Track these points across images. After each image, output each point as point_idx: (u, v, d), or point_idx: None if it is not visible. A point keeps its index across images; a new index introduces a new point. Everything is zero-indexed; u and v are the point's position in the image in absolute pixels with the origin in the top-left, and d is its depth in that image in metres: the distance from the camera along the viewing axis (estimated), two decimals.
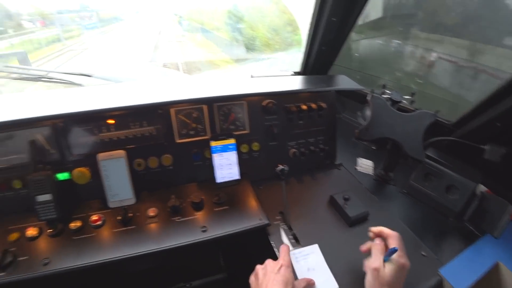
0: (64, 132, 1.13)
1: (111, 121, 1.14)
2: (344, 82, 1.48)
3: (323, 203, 1.25)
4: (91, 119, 1.13)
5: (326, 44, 1.53)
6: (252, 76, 1.57)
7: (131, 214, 1.12)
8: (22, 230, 1.08)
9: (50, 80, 1.45)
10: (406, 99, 1.33)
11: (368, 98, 1.29)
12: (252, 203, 1.20)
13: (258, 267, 0.88)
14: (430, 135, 1.26)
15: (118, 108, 1.12)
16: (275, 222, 1.14)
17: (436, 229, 1.17)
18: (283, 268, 0.83)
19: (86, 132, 1.15)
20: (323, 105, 1.40)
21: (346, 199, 1.19)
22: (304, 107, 1.36)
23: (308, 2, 1.39)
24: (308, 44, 1.58)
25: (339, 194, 1.22)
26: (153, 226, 1.09)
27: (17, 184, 1.13)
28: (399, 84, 1.80)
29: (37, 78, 1.42)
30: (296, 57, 1.74)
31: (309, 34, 1.52)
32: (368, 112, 1.30)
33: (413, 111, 1.26)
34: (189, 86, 1.39)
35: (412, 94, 1.31)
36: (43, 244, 1.04)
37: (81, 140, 1.15)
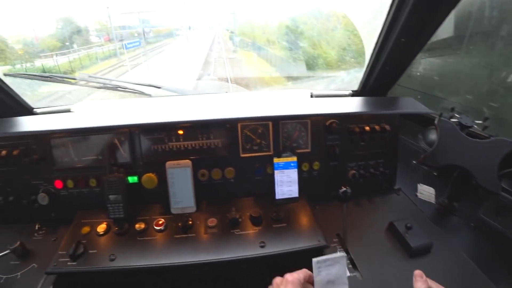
0: (137, 140, 1.22)
1: (180, 132, 1.21)
2: (411, 105, 1.42)
3: (382, 229, 1.18)
4: (163, 129, 1.21)
5: (390, 64, 1.48)
6: (312, 95, 1.57)
7: (191, 222, 1.16)
8: (93, 225, 1.18)
9: (124, 89, 1.58)
10: (477, 124, 1.23)
11: (436, 121, 1.21)
12: (310, 222, 1.17)
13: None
14: (506, 165, 1.14)
15: (190, 122, 1.18)
16: (332, 245, 1.11)
17: (510, 270, 1.04)
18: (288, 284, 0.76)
19: (157, 140, 1.23)
20: (387, 127, 1.35)
21: (408, 228, 1.11)
22: (367, 128, 1.32)
23: (374, 19, 1.36)
24: (370, 63, 1.54)
25: (400, 221, 1.15)
26: (212, 236, 1.12)
27: (92, 182, 1.25)
28: (468, 107, 1.67)
29: (114, 88, 1.56)
30: (355, 76, 1.71)
31: (372, 53, 1.49)
32: (433, 136, 1.22)
33: (486, 137, 1.16)
34: (252, 102, 1.43)
35: (485, 119, 1.20)
36: (110, 240, 1.12)
37: (152, 147, 1.23)
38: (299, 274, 0.79)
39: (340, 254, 0.88)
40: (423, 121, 1.53)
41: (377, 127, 1.33)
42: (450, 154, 1.15)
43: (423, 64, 1.90)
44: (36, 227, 1.22)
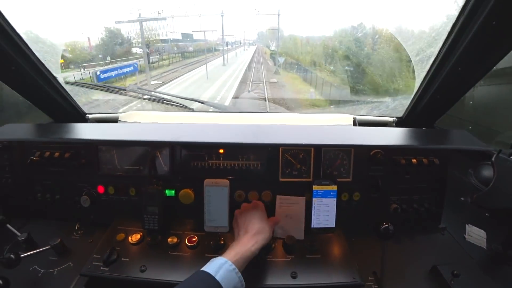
0: (179, 155, 1.25)
1: (221, 151, 1.22)
2: (465, 139, 1.31)
3: (423, 272, 1.08)
4: (205, 147, 1.23)
5: (442, 93, 1.39)
6: (355, 120, 1.51)
7: (223, 242, 1.15)
8: (127, 233, 1.21)
9: (169, 102, 1.64)
10: None
11: (493, 158, 1.11)
12: (346, 256, 1.11)
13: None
14: None
15: (233, 144, 1.19)
16: (368, 283, 1.04)
17: None
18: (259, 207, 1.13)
19: (197, 157, 1.25)
20: (436, 161, 1.25)
21: (455, 275, 1.01)
22: (414, 160, 1.24)
23: (429, 46, 1.29)
24: (419, 90, 1.46)
25: (444, 266, 1.05)
26: None
27: (132, 191, 1.30)
28: None
29: (160, 100, 1.63)
30: (401, 103, 1.63)
31: (423, 81, 1.40)
32: (487, 173, 1.12)
33: None
34: (294, 125, 1.40)
35: None
36: (142, 250, 1.14)
37: (192, 163, 1.25)
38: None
39: (300, 197, 0.92)
40: (474, 155, 1.41)
41: (425, 160, 1.25)
42: (509, 196, 1.04)
43: (478, 92, 1.77)
44: (76, 227, 1.30)
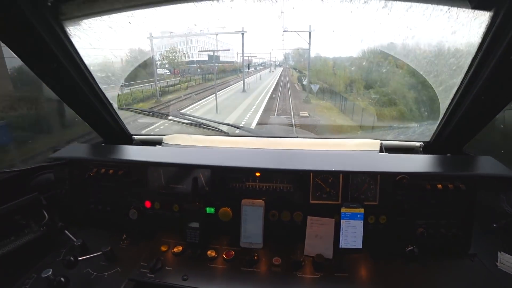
0: (219, 176, 1.39)
1: (257, 174, 1.35)
2: (492, 166, 1.33)
3: None
4: (243, 170, 1.36)
5: (467, 120, 1.42)
6: (382, 145, 1.59)
7: (257, 257, 1.25)
8: (170, 245, 1.36)
9: (207, 127, 1.81)
10: None
11: None
12: (372, 277, 1.17)
13: None
14: None
15: (269, 169, 1.30)
16: None
17: None
18: None
19: (235, 179, 1.38)
20: (462, 186, 1.29)
21: None
22: (439, 186, 1.29)
23: (451, 78, 1.35)
24: (445, 117, 1.50)
25: None
26: (275, 274, 1.19)
27: (175, 207, 1.45)
28: None
29: (199, 124, 1.81)
30: (428, 128, 1.67)
31: (448, 108, 1.45)
32: None
33: None
34: (323, 150, 1.50)
35: None
36: (184, 261, 1.28)
37: (230, 185, 1.39)
38: None
39: (330, 219, 0.96)
40: (507, 180, 1.42)
41: (450, 186, 1.28)
42: None
43: (510, 116, 1.76)
44: (123, 236, 1.45)
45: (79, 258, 1.19)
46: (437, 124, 1.57)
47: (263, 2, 1.19)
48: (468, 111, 1.34)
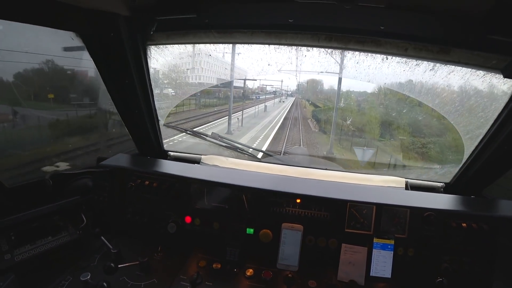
0: (261, 199, 1.49)
1: (298, 200, 1.46)
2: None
3: None
4: (286, 196, 1.46)
5: (490, 166, 1.56)
6: (407, 183, 1.71)
7: (292, 277, 1.32)
8: (208, 261, 1.42)
9: (241, 151, 1.95)
10: None
11: None
12: None
13: None
14: None
15: (311, 197, 1.42)
16: None
17: None
18: None
19: (277, 203, 1.48)
20: (485, 227, 1.39)
21: None
22: (464, 225, 1.39)
23: (478, 128, 1.49)
24: (468, 161, 1.63)
25: None
26: None
27: (216, 225, 1.52)
28: None
29: (235, 148, 1.94)
30: (449, 171, 1.80)
31: (471, 154, 1.58)
32: None
33: None
34: (357, 184, 1.61)
35: None
36: (223, 278, 1.35)
37: (271, 208, 1.49)
38: None
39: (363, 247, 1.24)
40: None
41: (474, 225, 1.39)
42: None
43: None
44: (159, 248, 1.49)
45: (121, 266, 1.25)
46: (459, 167, 1.70)
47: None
48: (490, 158, 1.48)
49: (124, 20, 1.16)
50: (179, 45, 1.40)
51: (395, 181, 1.69)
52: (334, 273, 1.37)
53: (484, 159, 1.54)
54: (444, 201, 1.48)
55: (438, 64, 1.16)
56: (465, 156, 1.61)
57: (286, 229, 1.41)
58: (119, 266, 1.26)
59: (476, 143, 1.51)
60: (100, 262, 1.36)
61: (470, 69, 1.15)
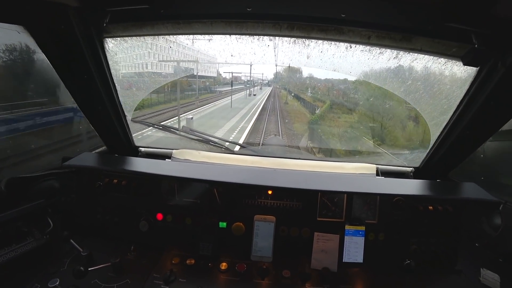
0: (233, 192, 1.48)
1: (270, 192, 1.46)
2: (475, 191, 1.52)
3: None
4: (257, 188, 1.46)
5: (454, 151, 1.61)
6: (378, 170, 1.74)
7: (266, 268, 1.34)
8: (182, 257, 1.41)
9: (215, 144, 1.91)
10: None
11: (500, 208, 1.31)
12: None
13: None
14: None
15: (282, 188, 1.40)
16: None
17: None
18: None
19: (249, 196, 1.48)
20: (450, 209, 1.46)
21: None
22: (430, 208, 1.45)
23: (442, 114, 1.53)
24: (434, 146, 1.68)
25: None
26: (286, 286, 1.29)
27: (188, 220, 1.51)
28: None
29: (207, 141, 1.90)
30: (418, 156, 1.85)
31: (437, 140, 1.63)
32: (498, 221, 1.29)
33: None
34: (329, 173, 1.62)
35: None
36: (197, 273, 1.34)
37: (244, 201, 1.48)
38: None
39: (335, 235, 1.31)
40: (486, 204, 1.60)
41: (440, 208, 1.46)
42: None
43: (488, 147, 1.96)
44: (132, 248, 1.46)
45: (91, 269, 1.21)
46: (426, 152, 1.75)
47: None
48: (455, 143, 1.53)
49: (75, 11, 1.07)
50: (138, 37, 1.32)
51: (366, 168, 1.72)
52: (308, 262, 1.39)
53: (449, 144, 1.59)
54: (412, 186, 1.52)
55: (401, 52, 1.16)
56: (432, 142, 1.66)
57: (259, 221, 1.41)
58: (90, 269, 1.21)
59: (441, 129, 1.55)
60: (70, 267, 1.31)
61: (432, 57, 1.16)
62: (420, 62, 1.20)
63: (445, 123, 1.50)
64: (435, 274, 1.45)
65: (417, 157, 1.86)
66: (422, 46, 1.07)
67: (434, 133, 1.60)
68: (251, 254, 1.41)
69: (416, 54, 1.15)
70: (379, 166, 1.77)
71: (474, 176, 1.92)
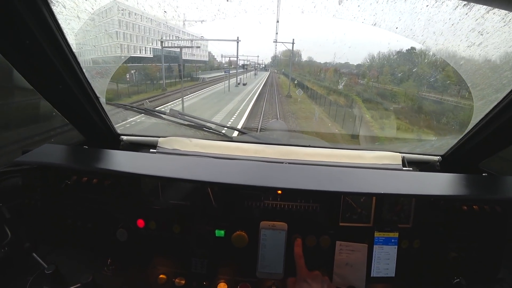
0: (232, 192, 1.18)
1: (279, 191, 1.15)
2: None
3: None
4: (264, 189, 1.15)
5: (496, 137, 1.34)
6: (403, 159, 1.45)
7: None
8: (170, 275, 1.13)
9: (209, 130, 1.59)
10: None
11: None
12: None
13: None
14: None
15: (294, 190, 1.09)
16: None
17: None
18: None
19: (252, 196, 1.18)
20: (498, 208, 1.20)
21: None
22: (475, 207, 1.19)
23: (496, 91, 1.24)
24: (471, 132, 1.41)
25: None
26: None
27: (176, 228, 1.20)
28: None
29: (200, 127, 1.58)
30: (447, 142, 1.58)
31: (478, 123, 1.35)
32: None
33: None
34: (353, 168, 1.32)
35: None
36: None
37: (246, 203, 1.18)
38: None
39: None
40: None
41: (486, 207, 1.19)
42: None
43: None
44: (108, 261, 1.19)
45: None
46: (458, 139, 1.48)
47: None
48: (499, 128, 1.25)
49: None
50: None
51: (390, 157, 1.44)
52: (328, 279, 1.12)
53: (492, 129, 1.31)
54: (452, 182, 1.24)
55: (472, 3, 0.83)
56: (470, 126, 1.38)
57: (266, 229, 1.11)
58: None
59: (487, 110, 1.27)
60: (33, 287, 1.06)
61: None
62: (496, 15, 0.86)
63: (495, 103, 1.21)
64: (476, 284, 1.20)
65: (445, 145, 1.58)
66: None
67: (477, 116, 1.32)
68: (257, 270, 1.11)
69: (493, 3, 0.82)
70: (405, 155, 1.49)
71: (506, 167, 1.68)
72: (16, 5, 0.81)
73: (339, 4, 0.90)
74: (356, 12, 0.93)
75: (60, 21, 0.96)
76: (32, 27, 0.90)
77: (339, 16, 0.93)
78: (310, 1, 0.91)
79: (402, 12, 0.91)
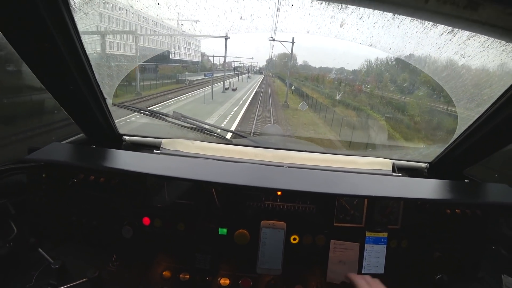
0: (234, 193, 1.25)
1: (279, 193, 1.23)
2: (507, 194, 1.37)
3: None
4: (265, 190, 1.23)
5: (478, 147, 1.45)
6: (393, 165, 1.56)
7: (274, 283, 1.15)
8: (174, 271, 1.19)
9: (210, 133, 1.65)
10: None
11: None
12: None
13: None
14: None
15: (293, 191, 1.19)
16: None
17: None
18: None
19: (254, 197, 1.25)
20: (479, 212, 1.31)
21: None
22: (458, 211, 1.30)
23: (478, 106, 1.34)
24: (455, 142, 1.52)
25: None
26: None
27: (181, 226, 1.26)
28: None
29: (201, 130, 1.64)
30: (434, 151, 1.69)
31: (462, 134, 1.46)
32: None
33: None
34: (347, 173, 1.40)
35: None
36: None
37: (248, 203, 1.25)
38: None
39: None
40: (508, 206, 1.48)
41: (468, 212, 1.30)
42: None
43: None
44: (113, 257, 1.23)
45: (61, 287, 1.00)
46: (445, 147, 1.59)
47: None
48: (481, 139, 1.36)
49: None
50: None
51: (382, 163, 1.54)
52: (323, 274, 1.20)
53: (475, 140, 1.42)
54: (437, 187, 1.35)
55: (456, 29, 0.94)
56: (455, 136, 1.49)
57: (266, 227, 1.19)
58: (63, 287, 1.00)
59: (470, 122, 1.38)
60: (38, 281, 1.08)
61: (491, 39, 0.94)
62: (477, 41, 0.97)
63: (477, 116, 1.32)
64: (457, 283, 1.31)
65: (432, 153, 1.69)
66: (488, 18, 0.84)
67: (461, 127, 1.43)
68: (257, 266, 1.19)
69: (474, 30, 0.92)
70: (395, 161, 1.59)
71: (489, 174, 1.80)
72: (39, 7, 0.87)
73: (341, 27, 1.00)
74: (355, 34, 1.04)
75: (78, 27, 1.02)
76: (53, 32, 0.95)
77: (340, 37, 1.04)
78: (315, 23, 1.01)
79: (395, 36, 1.01)
